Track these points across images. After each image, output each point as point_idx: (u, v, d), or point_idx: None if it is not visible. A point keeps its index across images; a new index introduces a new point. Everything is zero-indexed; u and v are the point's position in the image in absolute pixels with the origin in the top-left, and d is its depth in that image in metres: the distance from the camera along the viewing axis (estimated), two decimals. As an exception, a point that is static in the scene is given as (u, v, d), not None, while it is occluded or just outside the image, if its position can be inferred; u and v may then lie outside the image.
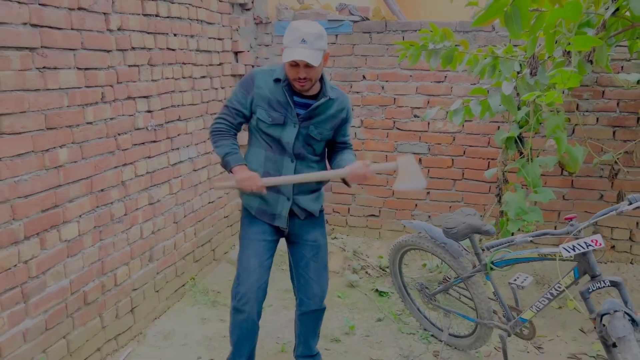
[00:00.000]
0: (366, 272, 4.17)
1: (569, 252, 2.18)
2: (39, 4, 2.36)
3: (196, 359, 3.05)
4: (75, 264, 2.68)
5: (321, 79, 2.47)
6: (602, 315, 2.16)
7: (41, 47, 2.38)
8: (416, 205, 4.40)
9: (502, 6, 1.85)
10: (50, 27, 2.42)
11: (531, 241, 2.27)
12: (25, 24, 2.29)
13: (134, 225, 3.13)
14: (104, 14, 2.77)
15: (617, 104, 3.89)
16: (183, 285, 3.72)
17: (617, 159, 3.72)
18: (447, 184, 4.30)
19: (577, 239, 2.18)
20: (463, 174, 4.26)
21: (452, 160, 4.26)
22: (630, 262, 4.10)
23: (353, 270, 4.17)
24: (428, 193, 4.35)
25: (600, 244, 2.13)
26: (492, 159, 4.17)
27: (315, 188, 2.62)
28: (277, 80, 2.44)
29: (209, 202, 4.01)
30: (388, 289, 3.94)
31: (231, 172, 2.48)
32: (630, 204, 2.12)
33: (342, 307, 3.67)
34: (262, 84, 2.46)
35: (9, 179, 2.26)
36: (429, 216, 4.38)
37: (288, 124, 2.46)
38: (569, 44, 2.81)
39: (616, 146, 3.87)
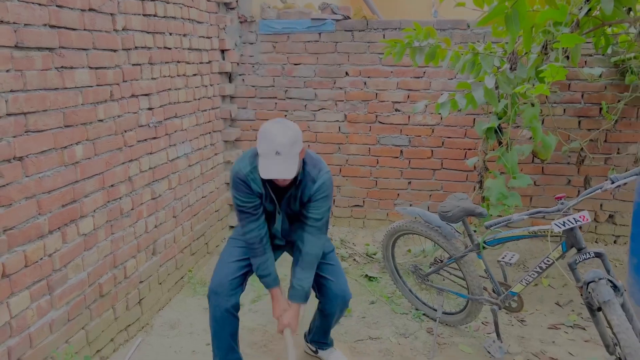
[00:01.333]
0: (354, 260, 4.38)
1: (560, 227, 2.44)
2: (56, 6, 2.44)
3: (205, 346, 3.18)
4: (91, 257, 2.77)
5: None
6: (588, 283, 2.43)
7: (59, 47, 2.46)
8: (398, 194, 4.63)
9: (503, 9, 2.07)
10: (67, 28, 2.51)
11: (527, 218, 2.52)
12: (45, 25, 2.37)
13: (140, 219, 3.23)
14: (111, 14, 2.86)
15: (582, 95, 4.22)
16: (182, 278, 3.83)
17: (584, 146, 4.05)
18: (427, 173, 4.55)
19: (566, 215, 2.44)
20: (442, 164, 4.52)
21: (432, 151, 4.51)
22: (595, 241, 4.46)
23: (342, 258, 4.36)
24: (409, 183, 4.59)
25: (587, 219, 2.39)
26: (469, 149, 4.44)
27: None
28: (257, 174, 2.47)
29: (202, 197, 4.12)
30: (376, 274, 4.16)
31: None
32: (613, 182, 2.40)
33: (336, 293, 3.86)
34: (253, 185, 2.49)
35: (34, 175, 2.34)
36: (410, 204, 4.62)
37: (276, 213, 2.61)
38: (557, 41, 3.10)
39: (581, 135, 4.20)
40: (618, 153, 4.24)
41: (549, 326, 3.44)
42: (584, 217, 2.38)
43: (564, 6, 2.17)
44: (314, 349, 3.05)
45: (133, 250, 3.16)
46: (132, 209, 3.14)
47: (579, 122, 4.27)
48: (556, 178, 4.40)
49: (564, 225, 2.42)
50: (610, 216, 4.38)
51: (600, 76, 4.07)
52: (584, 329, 3.40)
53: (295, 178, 2.48)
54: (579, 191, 4.37)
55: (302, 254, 2.58)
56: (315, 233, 2.57)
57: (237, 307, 2.63)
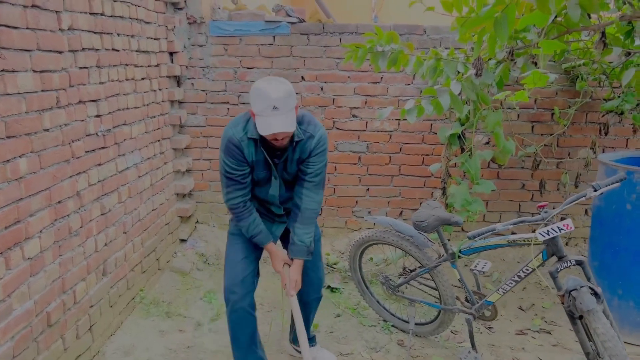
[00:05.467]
0: (314, 270, 4.23)
1: (544, 236, 2.40)
2: (-5, 0, 2.15)
3: (165, 373, 2.94)
4: (38, 283, 2.47)
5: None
6: (570, 291, 2.40)
7: (0, 47, 2.17)
8: (357, 202, 4.53)
9: (493, 13, 2.01)
10: (7, 26, 2.22)
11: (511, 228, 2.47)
12: (-17, 22, 2.08)
13: (89, 237, 2.94)
14: (56, 12, 2.57)
15: (535, 101, 4.29)
16: (133, 298, 3.55)
17: (539, 151, 4.11)
18: (385, 180, 4.48)
19: (548, 224, 2.41)
20: (400, 170, 4.47)
21: (390, 157, 4.44)
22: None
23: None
24: (368, 190, 4.50)
25: (571, 228, 2.37)
26: (426, 155, 4.41)
27: None
28: (251, 139, 2.44)
29: (153, 210, 3.84)
30: (338, 284, 4.03)
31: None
32: (595, 190, 2.39)
33: (299, 307, 3.70)
34: (246, 151, 2.45)
35: (-27, 194, 2.04)
36: (369, 212, 4.53)
37: (272, 178, 2.57)
38: (520, 48, 3.09)
39: (535, 140, 4.27)
40: (570, 157, 4.35)
41: (517, 332, 3.44)
42: (567, 225, 2.36)
43: (546, 11, 2.14)
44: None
45: (83, 272, 2.87)
46: (81, 227, 2.84)
47: (532, 127, 4.34)
48: (511, 182, 4.45)
49: (548, 234, 2.39)
50: (562, 219, 4.46)
51: (552, 82, 4.15)
52: (550, 332, 3.43)
53: (292, 137, 2.45)
54: (532, 195, 4.45)
55: (300, 210, 2.58)
56: (313, 189, 2.57)
57: (253, 305, 2.64)
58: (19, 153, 2.31)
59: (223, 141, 2.46)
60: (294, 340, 3.04)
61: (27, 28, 2.34)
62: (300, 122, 2.49)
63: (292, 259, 2.66)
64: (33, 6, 2.39)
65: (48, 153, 2.52)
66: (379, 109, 4.31)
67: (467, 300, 3.02)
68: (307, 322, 2.94)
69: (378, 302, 3.51)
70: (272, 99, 2.23)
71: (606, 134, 4.21)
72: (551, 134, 4.25)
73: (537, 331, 3.44)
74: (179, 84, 4.36)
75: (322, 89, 4.35)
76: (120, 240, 3.31)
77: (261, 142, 2.44)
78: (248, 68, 4.36)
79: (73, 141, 2.75)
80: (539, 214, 2.46)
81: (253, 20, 4.29)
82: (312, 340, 3.01)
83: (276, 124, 2.25)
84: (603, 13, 3.44)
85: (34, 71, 2.40)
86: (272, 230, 2.74)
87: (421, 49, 4.14)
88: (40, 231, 2.48)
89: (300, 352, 3.02)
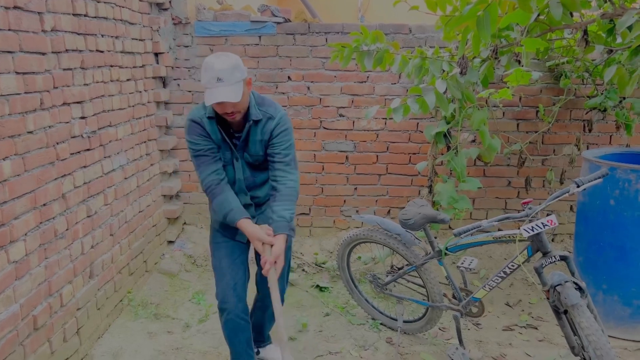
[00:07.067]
0: (303, 270, 4.24)
1: (529, 232, 2.43)
2: (-24, 2, 2.13)
3: (154, 375, 2.93)
4: (23, 286, 2.45)
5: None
6: (555, 286, 2.43)
7: (-19, 49, 2.15)
8: (345, 201, 4.54)
9: (475, 11, 2.02)
10: (-11, 28, 2.20)
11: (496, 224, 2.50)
12: (-36, 24, 2.06)
13: (75, 240, 2.92)
14: (39, 13, 2.55)
15: (520, 99, 4.33)
16: (121, 301, 3.53)
17: (524, 148, 4.15)
18: (373, 179, 4.50)
19: (532, 220, 2.44)
20: (387, 168, 4.48)
21: (377, 156, 4.46)
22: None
23: (290, 269, 4.21)
24: (355, 189, 4.51)
25: (555, 224, 2.40)
26: (413, 154, 4.43)
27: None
28: (210, 118, 2.46)
29: (139, 211, 3.83)
30: (327, 283, 4.04)
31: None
32: (578, 186, 2.42)
33: (288, 307, 3.70)
34: (208, 129, 2.47)
35: (-44, 198, 2.02)
36: (357, 211, 4.55)
37: (234, 159, 2.55)
38: (504, 46, 3.12)
39: (520, 137, 4.31)
40: (554, 154, 4.39)
41: (504, 328, 3.47)
42: (551, 221, 2.39)
43: (528, 9, 2.16)
44: (255, 349, 3.00)
45: (69, 275, 2.85)
46: (66, 230, 2.82)
47: (517, 125, 4.38)
48: (497, 180, 4.48)
49: (532, 230, 2.41)
50: (548, 214, 4.50)
51: (536, 80, 4.19)
52: (536, 328, 3.47)
53: (247, 116, 2.45)
54: (518, 192, 4.49)
55: (278, 190, 2.50)
56: (287, 169, 2.51)
57: (246, 310, 2.66)
58: (3, 155, 2.29)
59: (186, 124, 2.49)
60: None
61: (9, 29, 2.32)
62: (260, 104, 2.51)
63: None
64: (15, 7, 2.37)
65: (32, 155, 2.51)
66: (365, 108, 4.33)
67: (454, 297, 3.04)
68: (261, 327, 3.02)
69: (367, 300, 3.52)
70: (215, 70, 2.25)
71: (590, 130, 4.25)
72: (536, 132, 4.29)
73: (524, 327, 3.48)
74: (164, 84, 4.35)
75: (308, 88, 4.36)
76: (107, 243, 3.30)
77: (218, 121, 2.46)
78: (234, 68, 4.34)
79: (58, 143, 2.73)
80: (524, 210, 2.48)
81: (239, 20, 4.29)
82: (267, 340, 3.12)
83: (219, 94, 2.26)
84: (585, 11, 3.49)
85: (17, 73, 2.38)
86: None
87: (407, 48, 4.18)
88: (26, 234, 2.46)
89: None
